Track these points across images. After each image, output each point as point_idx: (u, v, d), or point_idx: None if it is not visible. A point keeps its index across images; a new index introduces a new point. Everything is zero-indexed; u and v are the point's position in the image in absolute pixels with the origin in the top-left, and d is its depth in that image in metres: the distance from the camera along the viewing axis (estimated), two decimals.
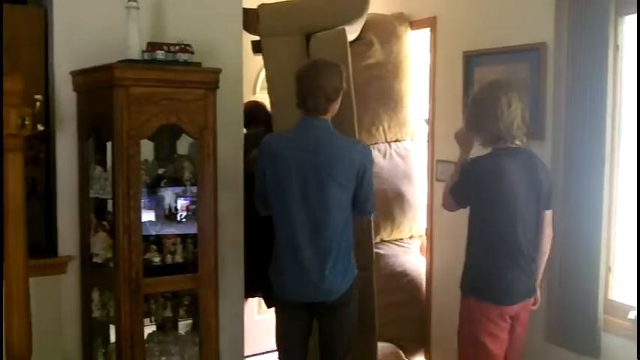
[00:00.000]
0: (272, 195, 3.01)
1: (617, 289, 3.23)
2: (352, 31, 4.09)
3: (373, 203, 3.20)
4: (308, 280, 2.97)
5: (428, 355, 4.52)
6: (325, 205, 2.95)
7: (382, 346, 4.13)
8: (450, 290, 4.23)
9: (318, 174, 2.94)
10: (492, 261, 3.00)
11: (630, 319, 3.10)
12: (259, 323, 4.78)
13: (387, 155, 4.54)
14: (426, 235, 4.51)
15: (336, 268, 2.99)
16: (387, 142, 4.55)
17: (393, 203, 4.46)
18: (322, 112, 3.00)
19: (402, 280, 4.53)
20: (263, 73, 4.67)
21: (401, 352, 4.51)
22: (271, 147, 3.03)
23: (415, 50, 4.66)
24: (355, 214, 3.11)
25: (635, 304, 3.11)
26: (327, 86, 2.97)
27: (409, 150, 4.65)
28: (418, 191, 4.62)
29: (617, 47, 3.12)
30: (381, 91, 4.51)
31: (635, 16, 3.00)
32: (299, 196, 2.94)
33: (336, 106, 3.07)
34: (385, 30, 4.53)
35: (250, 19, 3.88)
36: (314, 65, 3.09)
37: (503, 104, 2.95)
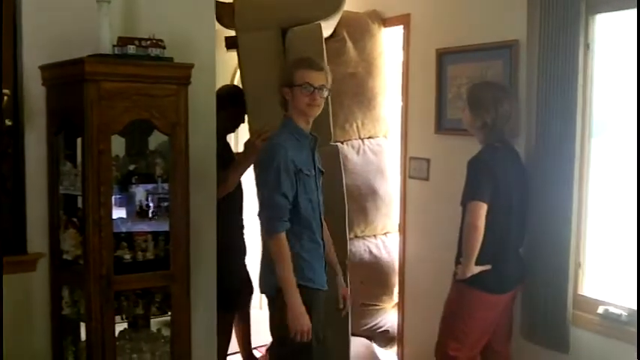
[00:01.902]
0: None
1: (587, 284, 3.27)
2: (327, 27, 4.10)
3: (269, 225, 2.94)
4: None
5: (401, 346, 4.54)
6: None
7: (355, 341, 4.15)
8: (421, 284, 4.28)
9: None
10: None
11: (600, 313, 3.14)
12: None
13: (361, 151, 4.57)
14: (399, 231, 4.53)
15: (266, 265, 3.06)
16: (360, 138, 4.58)
17: (366, 199, 4.49)
18: (284, 107, 3.09)
19: (376, 274, 4.56)
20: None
21: (374, 345, 4.54)
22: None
23: (388, 48, 4.67)
24: None
25: (604, 299, 3.16)
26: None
27: (382, 146, 4.67)
28: (391, 187, 4.65)
29: (587, 46, 3.16)
30: (354, 89, 4.52)
31: (606, 14, 3.05)
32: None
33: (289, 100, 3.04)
34: (358, 27, 4.54)
35: (225, 13, 3.86)
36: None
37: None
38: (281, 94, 3.04)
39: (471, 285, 3.17)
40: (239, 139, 4.73)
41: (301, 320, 2.89)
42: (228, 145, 4.19)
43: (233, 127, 4.22)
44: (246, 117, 4.02)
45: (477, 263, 3.13)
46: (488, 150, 3.23)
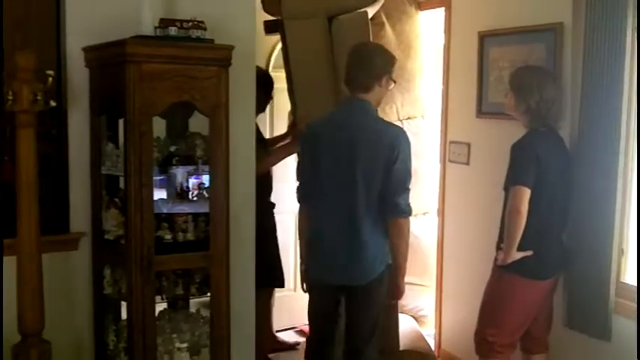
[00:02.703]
0: (309, 179, 3.13)
1: (630, 272, 3.21)
2: (370, 12, 4.07)
3: (407, 202, 3.04)
4: (338, 263, 3.05)
5: (438, 328, 4.54)
6: (354, 185, 2.98)
7: (400, 318, 4.16)
8: (460, 265, 4.26)
9: (347, 152, 2.99)
10: None
11: None
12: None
13: None
14: (438, 214, 4.52)
15: (366, 252, 3.03)
16: (400, 120, 4.58)
17: None
18: (363, 89, 3.06)
19: (417, 254, 4.56)
20: (276, 51, 4.67)
21: (415, 322, 4.57)
22: (311, 130, 3.16)
23: (426, 29, 4.65)
24: (386, 214, 3.04)
25: None
26: (374, 64, 3.06)
27: (420, 127, 4.70)
28: (430, 168, 4.65)
29: (634, 28, 3.07)
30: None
31: None
32: (331, 175, 3.03)
33: (379, 89, 3.10)
34: (396, 10, 4.55)
35: (271, 1, 3.85)
36: (367, 44, 3.27)
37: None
38: (386, 85, 3.13)
39: (511, 271, 3.14)
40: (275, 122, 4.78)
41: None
42: (256, 125, 4.24)
43: (259, 110, 4.25)
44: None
45: (519, 249, 3.10)
46: (533, 135, 3.18)
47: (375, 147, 2.98)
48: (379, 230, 3.06)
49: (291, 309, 4.76)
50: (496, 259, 3.23)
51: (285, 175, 4.75)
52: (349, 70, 3.09)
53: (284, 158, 4.24)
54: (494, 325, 3.24)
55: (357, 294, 3.10)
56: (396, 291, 3.20)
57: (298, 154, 3.19)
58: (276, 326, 4.77)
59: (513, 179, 3.10)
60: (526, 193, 3.03)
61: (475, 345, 3.37)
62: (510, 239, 3.08)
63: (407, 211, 3.05)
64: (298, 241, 3.24)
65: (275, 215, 4.33)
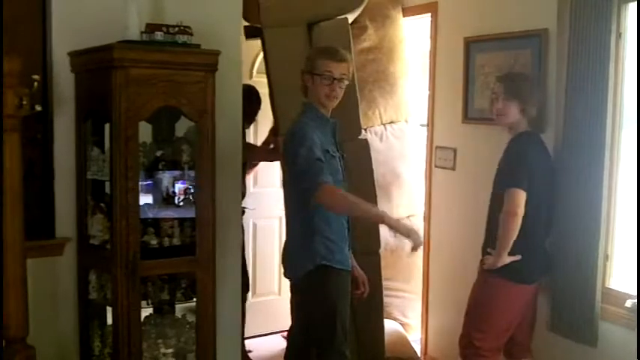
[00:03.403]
0: None
1: (616, 277, 3.23)
2: (350, 16, 4.09)
3: (311, 182, 2.82)
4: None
5: (424, 333, 4.55)
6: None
7: (385, 323, 4.16)
8: (446, 270, 4.27)
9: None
10: None
11: (627, 307, 3.10)
12: (254, 306, 4.79)
13: (384, 138, 4.61)
14: (424, 219, 4.52)
15: (293, 249, 3.05)
16: (382, 124, 4.61)
17: (391, 184, 4.53)
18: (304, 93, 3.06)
19: (401, 258, 4.57)
20: (260, 57, 4.67)
21: (401, 328, 4.57)
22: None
23: (412, 35, 4.67)
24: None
25: (633, 292, 3.11)
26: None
27: (404, 131, 4.72)
28: (414, 172, 4.66)
29: (619, 35, 3.10)
30: (376, 75, 4.55)
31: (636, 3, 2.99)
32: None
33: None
34: (379, 14, 4.56)
35: (251, 9, 3.85)
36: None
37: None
38: (302, 80, 3.04)
39: (498, 275, 3.15)
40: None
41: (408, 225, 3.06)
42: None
43: (247, 124, 4.26)
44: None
45: (508, 253, 3.11)
46: (526, 138, 3.20)
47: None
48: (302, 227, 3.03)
49: (275, 313, 4.75)
50: (483, 263, 3.23)
51: (269, 180, 4.76)
52: None
53: (261, 159, 4.29)
54: (480, 329, 3.25)
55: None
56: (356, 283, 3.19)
57: (308, 141, 2.99)
58: (260, 330, 4.76)
59: (509, 182, 3.08)
60: (523, 196, 3.03)
61: (460, 349, 3.37)
62: (505, 242, 3.08)
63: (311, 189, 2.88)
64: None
65: (257, 220, 4.31)
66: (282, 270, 3.21)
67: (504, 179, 3.14)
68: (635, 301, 3.08)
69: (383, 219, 2.92)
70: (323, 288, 2.95)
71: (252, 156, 4.14)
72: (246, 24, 4.01)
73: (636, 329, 2.94)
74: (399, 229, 2.92)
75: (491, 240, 3.22)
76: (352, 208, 2.91)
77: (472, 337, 3.27)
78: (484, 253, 3.25)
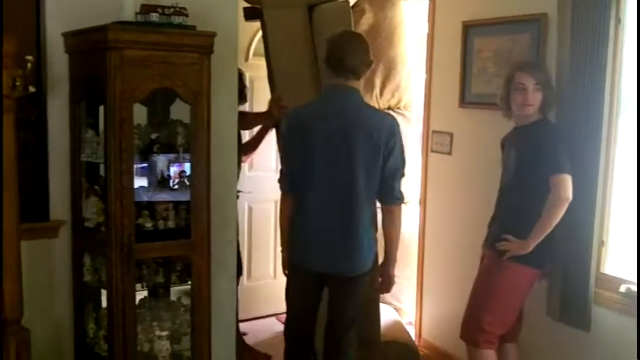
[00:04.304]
0: (298, 168, 3.05)
1: (610, 262, 3.24)
2: (352, 0, 4.06)
3: (400, 189, 3.06)
4: (331, 252, 3.02)
5: (419, 319, 4.56)
6: (351, 174, 2.95)
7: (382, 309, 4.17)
8: (441, 255, 4.28)
9: (345, 142, 2.95)
10: None
11: (622, 292, 3.11)
12: (249, 289, 4.80)
13: None
14: (420, 204, 4.52)
15: (362, 243, 3.02)
16: (380, 109, 4.56)
17: None
18: (357, 76, 3.02)
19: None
20: (256, 39, 4.65)
21: (397, 313, 4.59)
22: (297, 118, 3.08)
23: (410, 19, 4.63)
24: (381, 200, 3.06)
25: (627, 277, 3.12)
26: (365, 53, 3.03)
27: (402, 117, 4.67)
28: (411, 158, 4.63)
29: (618, 20, 3.08)
30: (375, 58, 4.47)
31: None
32: (325, 165, 2.97)
33: (363, 79, 3.10)
34: None
35: None
36: (353, 33, 3.17)
37: None
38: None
39: (517, 260, 3.12)
40: None
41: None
42: None
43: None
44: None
45: (525, 238, 3.10)
46: (550, 124, 3.21)
47: (373, 136, 2.94)
48: (371, 220, 3.06)
49: (271, 296, 4.76)
50: (499, 251, 3.18)
51: (265, 164, 4.74)
52: (341, 55, 2.98)
53: (255, 126, 4.29)
54: (493, 314, 3.21)
55: (344, 283, 3.09)
56: (387, 282, 3.18)
57: (281, 141, 3.12)
58: (255, 314, 4.77)
59: (553, 167, 3.04)
60: (570, 180, 3.01)
61: (467, 333, 3.32)
62: (547, 228, 3.05)
63: (401, 198, 3.07)
64: (279, 228, 3.19)
65: (252, 204, 4.30)
66: (330, 266, 3.07)
67: (547, 164, 3.06)
68: (630, 286, 3.09)
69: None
70: (369, 277, 3.12)
71: (244, 124, 4.10)
72: (246, 5, 3.98)
73: (636, 317, 2.95)
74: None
75: (503, 227, 3.20)
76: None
77: (483, 322, 3.22)
78: (493, 239, 3.22)
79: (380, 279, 3.20)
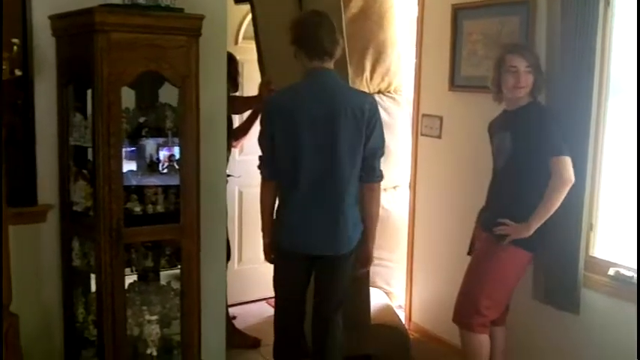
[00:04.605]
0: (283, 154, 3.02)
1: (599, 246, 3.25)
2: None
3: (380, 166, 3.10)
4: (317, 234, 3.02)
5: (409, 302, 4.58)
6: (336, 156, 2.96)
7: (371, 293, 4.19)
8: (431, 239, 4.29)
9: (329, 124, 2.95)
10: None
11: (610, 275, 3.13)
12: (239, 273, 4.79)
13: None
14: (410, 188, 4.52)
15: (347, 221, 3.03)
16: (370, 93, 4.55)
17: None
18: (332, 56, 3.01)
19: (388, 228, 4.58)
20: (246, 22, 4.62)
21: (386, 296, 4.60)
22: (280, 104, 3.05)
23: (400, 0, 4.61)
24: (363, 179, 3.06)
25: (616, 260, 3.14)
26: (335, 32, 3.01)
27: (392, 101, 4.66)
28: (401, 142, 4.64)
29: (607, 3, 3.08)
30: (364, 42, 4.49)
31: None
32: (312, 149, 2.96)
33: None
34: None
35: None
36: (318, 13, 3.09)
37: None
38: None
39: (515, 245, 3.13)
40: None
41: None
42: None
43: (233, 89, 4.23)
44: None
45: (523, 221, 3.09)
46: (541, 107, 3.20)
47: (357, 116, 2.96)
48: (356, 199, 3.08)
49: (260, 280, 4.75)
50: (496, 236, 3.16)
51: (255, 148, 4.70)
52: (313, 36, 2.97)
53: (245, 110, 4.29)
54: (489, 297, 3.22)
55: (332, 263, 3.10)
56: (366, 258, 3.20)
57: (263, 128, 3.09)
58: (245, 298, 4.78)
59: (556, 150, 3.02)
60: (570, 162, 3.01)
61: (463, 317, 3.31)
62: (549, 212, 3.04)
63: (381, 176, 3.11)
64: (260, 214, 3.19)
65: (244, 188, 4.28)
66: (318, 247, 3.08)
67: (546, 147, 3.05)
68: (618, 269, 3.11)
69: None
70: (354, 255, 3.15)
71: (234, 108, 4.09)
72: None
73: (624, 299, 2.97)
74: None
75: (499, 211, 3.19)
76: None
77: (480, 305, 3.22)
78: (489, 224, 3.21)
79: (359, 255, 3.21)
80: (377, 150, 3.05)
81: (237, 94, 4.34)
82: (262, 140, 3.10)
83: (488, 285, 3.23)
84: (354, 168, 3.00)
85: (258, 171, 3.15)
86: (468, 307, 3.28)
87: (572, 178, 3.00)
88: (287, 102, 3.04)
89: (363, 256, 3.18)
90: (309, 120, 2.96)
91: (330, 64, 3.03)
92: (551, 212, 3.05)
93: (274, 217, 3.15)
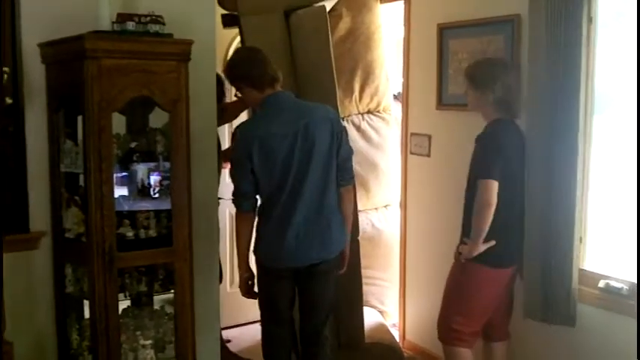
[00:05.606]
0: (262, 178, 3.03)
1: (589, 258, 3.28)
2: (328, 4, 4.08)
3: (352, 167, 3.21)
4: (304, 247, 3.06)
5: (402, 320, 4.58)
6: (317, 167, 3.03)
7: (365, 312, 4.19)
8: (423, 257, 4.30)
9: (305, 143, 3.00)
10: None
11: (601, 287, 3.15)
12: (233, 296, 4.77)
13: (361, 127, 4.60)
14: (400, 207, 4.54)
15: (332, 229, 3.11)
16: (360, 113, 4.60)
17: (368, 173, 4.53)
18: (279, 80, 3.12)
19: (379, 247, 4.59)
20: (234, 47, 4.65)
21: (380, 315, 4.60)
22: (252, 130, 3.07)
23: (387, 21, 4.66)
24: (340, 183, 3.14)
25: (606, 273, 3.16)
26: (269, 60, 3.13)
27: (381, 120, 4.69)
28: (391, 161, 4.68)
29: (590, 19, 3.12)
30: (353, 63, 4.53)
31: None
32: (292, 167, 3.00)
33: None
34: (356, 1, 4.54)
35: None
36: (249, 49, 3.37)
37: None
38: None
39: (476, 261, 3.17)
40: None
41: None
42: None
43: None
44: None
45: (484, 240, 3.14)
46: (496, 125, 3.22)
47: (326, 126, 3.06)
48: (337, 204, 3.16)
49: (254, 303, 4.70)
50: (459, 253, 3.25)
51: None
52: (258, 68, 3.07)
53: (238, 113, 4.26)
54: (460, 313, 3.28)
55: (318, 272, 3.12)
56: (342, 258, 3.24)
57: (237, 156, 3.08)
58: (238, 320, 4.79)
59: (481, 173, 3.11)
60: (495, 186, 3.06)
61: (440, 333, 3.40)
62: (479, 232, 3.11)
63: (353, 177, 3.24)
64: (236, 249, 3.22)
65: (234, 210, 4.26)
66: (306, 259, 3.11)
67: (478, 169, 3.16)
68: (608, 281, 3.13)
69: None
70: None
71: (226, 116, 4.13)
72: (223, 12, 3.98)
73: (617, 312, 2.99)
74: None
75: (468, 228, 3.24)
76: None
77: (452, 321, 3.30)
78: (461, 242, 3.27)
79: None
80: (349, 151, 3.17)
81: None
82: (236, 171, 3.10)
83: (454, 302, 3.33)
84: (332, 173, 3.08)
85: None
86: (442, 324, 3.39)
87: (492, 202, 3.06)
88: (258, 128, 3.06)
89: (340, 257, 3.22)
90: (287, 141, 2.99)
91: (279, 88, 3.12)
92: (482, 231, 3.10)
93: (255, 237, 3.16)
